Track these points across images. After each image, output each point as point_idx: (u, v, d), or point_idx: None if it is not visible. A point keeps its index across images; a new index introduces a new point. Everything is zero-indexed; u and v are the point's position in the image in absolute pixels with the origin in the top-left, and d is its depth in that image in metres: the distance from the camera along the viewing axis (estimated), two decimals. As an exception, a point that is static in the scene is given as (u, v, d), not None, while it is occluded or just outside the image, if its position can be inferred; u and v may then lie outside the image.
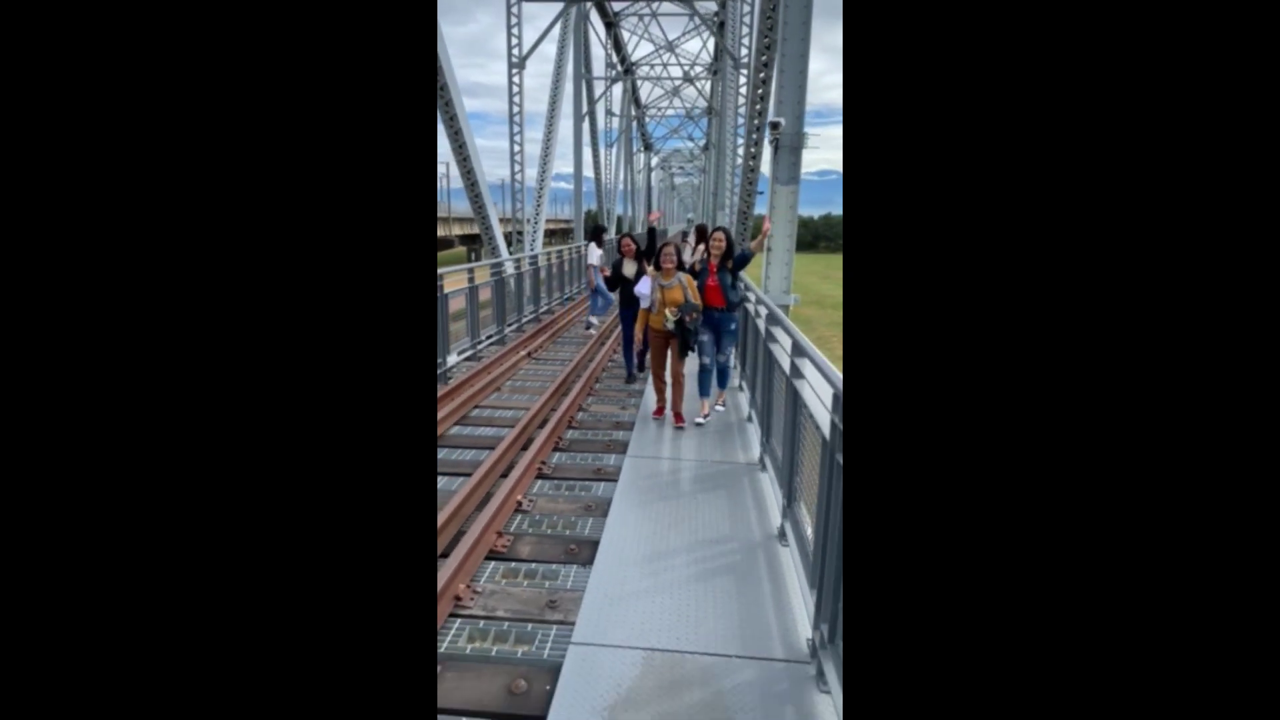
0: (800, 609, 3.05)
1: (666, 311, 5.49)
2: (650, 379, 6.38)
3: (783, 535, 3.71)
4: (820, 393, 2.96)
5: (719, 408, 6.15)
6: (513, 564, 3.59)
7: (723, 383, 6.23)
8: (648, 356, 6.62)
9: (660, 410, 5.94)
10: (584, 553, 3.65)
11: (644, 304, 5.86)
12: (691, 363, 5.90)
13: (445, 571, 3.16)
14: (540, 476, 4.77)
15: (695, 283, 5.67)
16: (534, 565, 3.58)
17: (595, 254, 11.03)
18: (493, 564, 3.57)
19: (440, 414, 5.87)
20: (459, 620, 3.07)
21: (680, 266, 5.76)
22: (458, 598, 3.18)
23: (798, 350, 3.55)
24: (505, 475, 4.55)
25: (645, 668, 2.68)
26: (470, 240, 52.10)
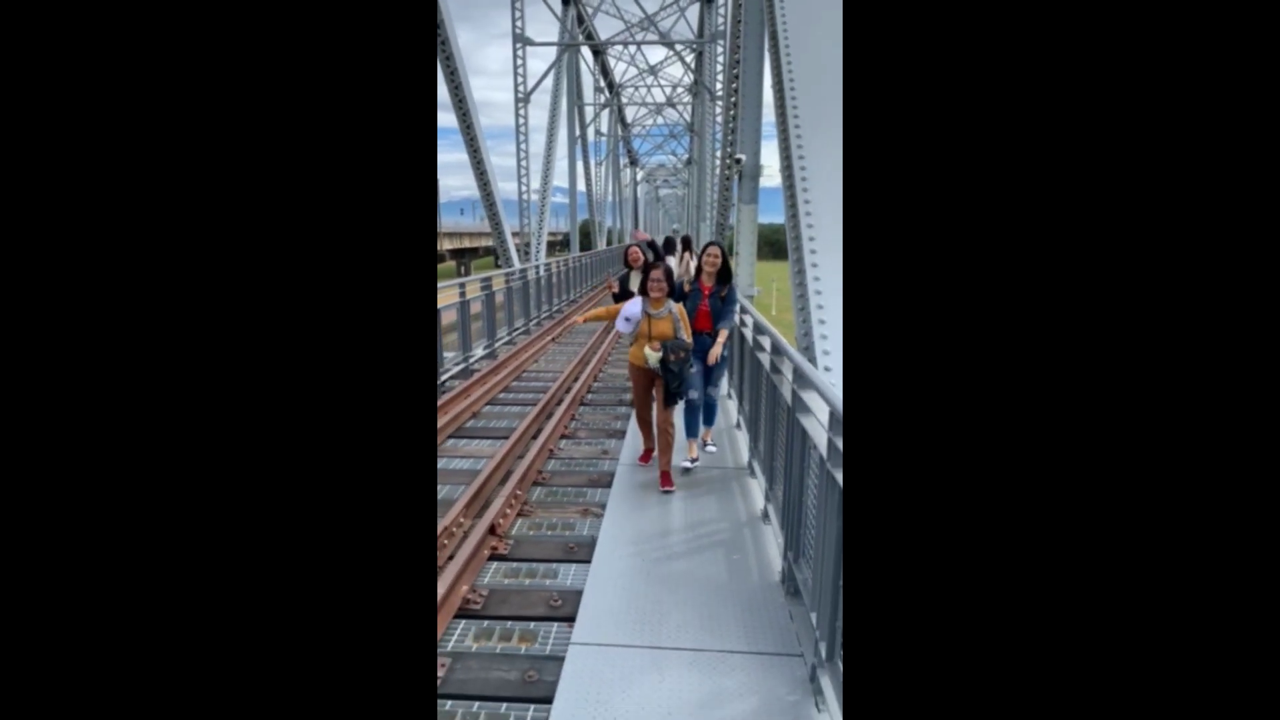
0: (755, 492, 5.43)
1: (647, 349, 4.60)
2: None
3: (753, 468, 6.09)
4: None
5: (710, 448, 5.46)
6: (575, 440, 6.03)
7: (709, 419, 5.42)
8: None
9: (648, 455, 5.13)
10: (616, 436, 6.12)
11: (620, 324, 4.79)
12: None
13: (539, 441, 5.55)
14: (582, 404, 7.27)
15: (686, 313, 4.78)
16: (590, 440, 6.02)
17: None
18: (564, 441, 6.01)
19: (499, 376, 8.25)
20: (554, 460, 5.47)
21: (672, 292, 4.81)
22: (551, 451, 5.61)
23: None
24: (559, 404, 6.92)
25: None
26: (459, 254, 53.55)
